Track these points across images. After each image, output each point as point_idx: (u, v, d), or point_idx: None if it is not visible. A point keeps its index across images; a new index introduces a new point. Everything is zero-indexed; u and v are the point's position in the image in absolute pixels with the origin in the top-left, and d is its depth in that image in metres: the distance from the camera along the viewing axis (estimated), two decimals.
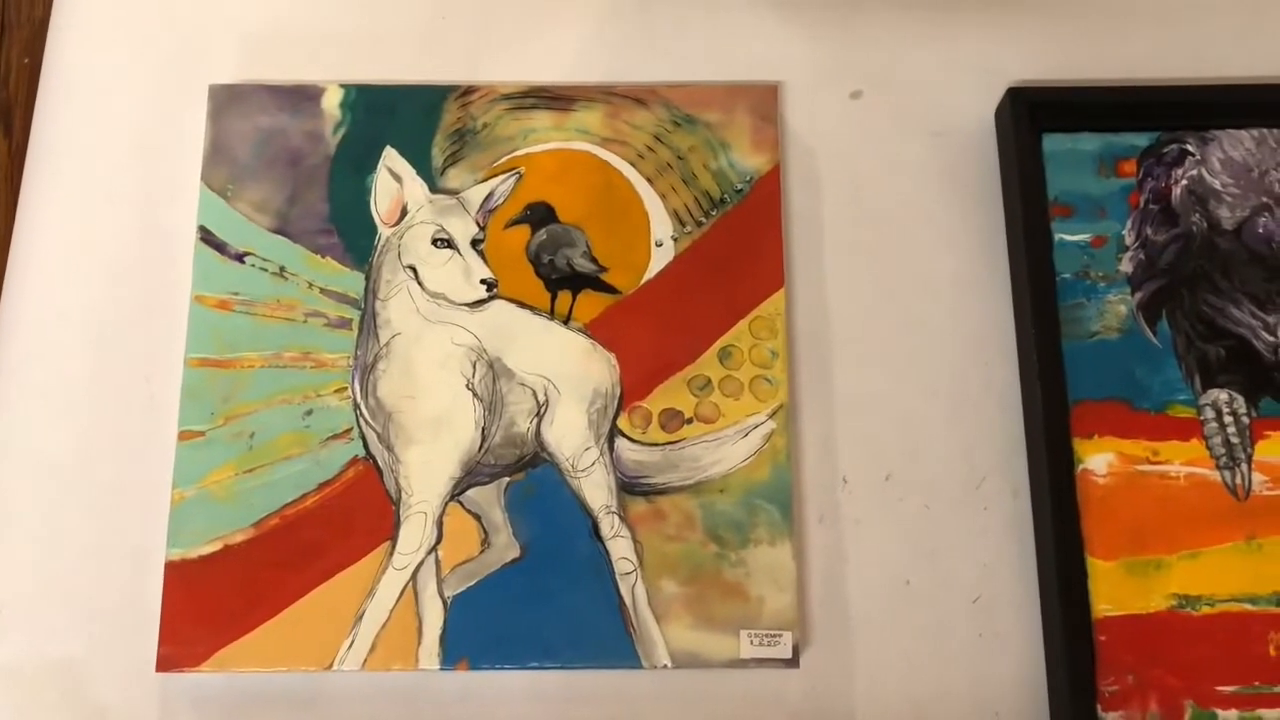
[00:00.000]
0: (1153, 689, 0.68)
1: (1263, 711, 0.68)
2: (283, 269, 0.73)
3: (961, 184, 0.77)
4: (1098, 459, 0.71)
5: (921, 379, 0.74)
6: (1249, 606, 0.69)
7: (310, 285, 0.73)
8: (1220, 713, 0.68)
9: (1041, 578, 0.70)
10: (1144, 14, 0.80)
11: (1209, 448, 0.72)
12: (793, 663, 0.67)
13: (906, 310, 0.75)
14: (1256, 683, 0.68)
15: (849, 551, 0.71)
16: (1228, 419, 0.72)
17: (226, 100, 0.76)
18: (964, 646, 0.70)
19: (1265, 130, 0.76)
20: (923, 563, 0.71)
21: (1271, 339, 0.73)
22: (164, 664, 0.66)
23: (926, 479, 0.72)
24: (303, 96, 0.76)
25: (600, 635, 0.67)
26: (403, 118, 0.76)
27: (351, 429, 0.70)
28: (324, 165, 0.75)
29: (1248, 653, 0.69)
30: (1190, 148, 0.76)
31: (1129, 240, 0.75)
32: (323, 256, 0.73)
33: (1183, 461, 0.71)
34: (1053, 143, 0.76)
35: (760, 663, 0.67)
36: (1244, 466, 0.71)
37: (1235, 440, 0.72)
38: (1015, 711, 0.69)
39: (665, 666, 0.67)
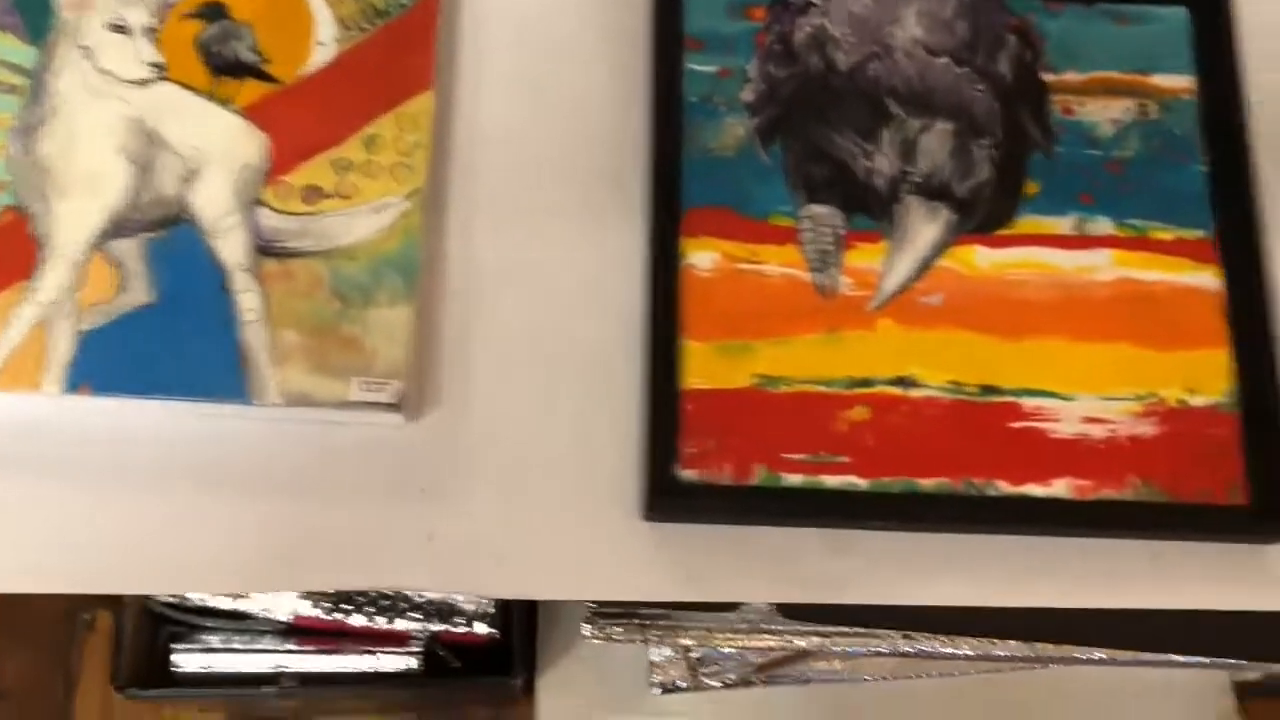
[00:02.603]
0: (729, 453, 0.75)
1: (824, 477, 0.75)
2: None
3: (615, 23, 0.85)
4: (702, 255, 0.79)
5: (558, 180, 0.81)
6: (823, 388, 0.77)
7: None
8: (786, 476, 0.75)
9: (644, 355, 0.77)
10: None
11: (804, 254, 0.79)
12: (397, 409, 0.73)
13: (551, 121, 0.82)
14: (822, 452, 0.75)
15: (472, 322, 0.77)
16: (824, 229, 0.80)
17: None
18: (574, 410, 0.76)
19: None
20: (542, 335, 0.77)
21: (868, 164, 0.82)
22: None
23: (554, 266, 0.79)
24: None
25: (218, 374, 0.72)
26: None
27: (8, 182, 0.75)
28: None
29: (818, 428, 0.76)
30: (816, 1, 0.85)
31: (751, 74, 0.83)
32: (4, 33, 0.79)
33: (779, 263, 0.79)
34: None
35: (367, 406, 0.73)
36: (834, 270, 0.79)
37: (828, 248, 0.80)
38: (613, 466, 0.75)
39: (276, 404, 0.72)
